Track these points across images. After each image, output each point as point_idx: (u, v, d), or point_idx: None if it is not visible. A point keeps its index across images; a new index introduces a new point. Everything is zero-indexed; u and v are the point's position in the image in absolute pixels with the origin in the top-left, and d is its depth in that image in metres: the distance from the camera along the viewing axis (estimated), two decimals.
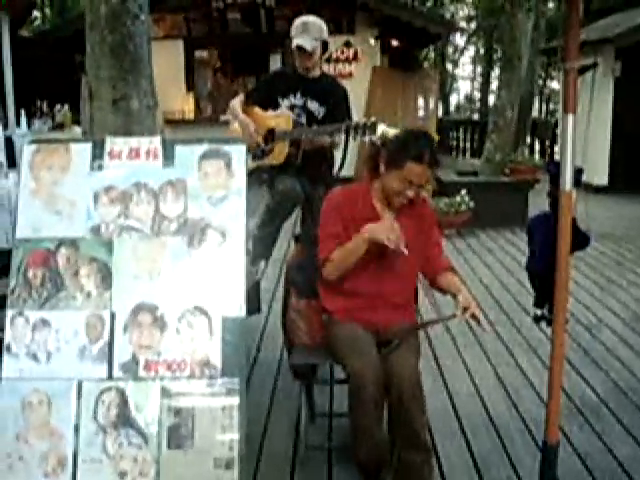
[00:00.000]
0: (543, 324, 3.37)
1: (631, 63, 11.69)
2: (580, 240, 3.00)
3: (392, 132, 4.57)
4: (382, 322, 2.99)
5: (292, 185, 4.48)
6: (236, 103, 4.67)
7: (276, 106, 4.55)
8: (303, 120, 4.50)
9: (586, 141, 10.82)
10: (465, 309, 2.83)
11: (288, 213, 4.65)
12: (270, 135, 4.52)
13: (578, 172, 2.57)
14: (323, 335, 3.15)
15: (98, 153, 2.58)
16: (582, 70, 2.61)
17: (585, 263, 7.06)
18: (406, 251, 2.82)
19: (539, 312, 3.96)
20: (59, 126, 11.23)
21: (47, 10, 24.66)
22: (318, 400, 3.68)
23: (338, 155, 4.64)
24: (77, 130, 10.77)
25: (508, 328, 5.15)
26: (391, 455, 2.85)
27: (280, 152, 4.50)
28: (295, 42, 4.38)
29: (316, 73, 4.58)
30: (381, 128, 4.26)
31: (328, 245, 3.03)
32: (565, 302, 2.56)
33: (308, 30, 4.39)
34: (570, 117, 2.44)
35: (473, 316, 2.83)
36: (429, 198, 8.60)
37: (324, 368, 3.86)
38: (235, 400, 2.41)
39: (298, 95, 4.53)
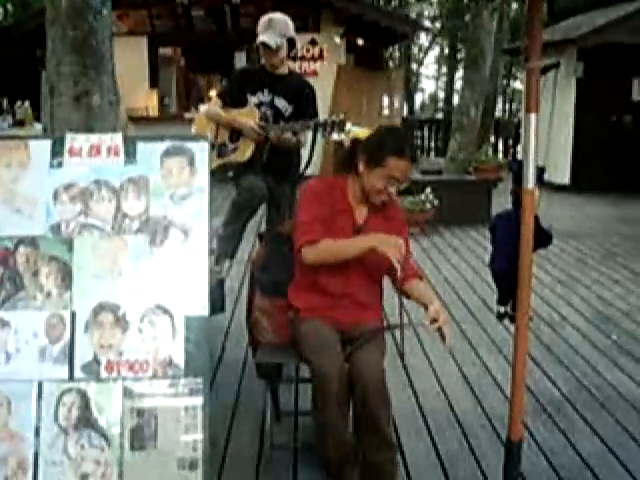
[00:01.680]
0: (506, 321, 3.40)
1: (593, 64, 11.84)
2: (543, 238, 3.02)
3: (358, 130, 4.58)
4: (348, 320, 2.99)
5: (257, 183, 4.46)
6: (215, 108, 4.62)
7: (245, 103, 4.52)
8: (270, 117, 4.48)
9: (549, 140, 10.98)
10: (434, 320, 2.82)
11: (253, 211, 4.62)
12: (236, 132, 4.49)
13: (539, 170, 2.58)
14: (288, 334, 3.13)
15: (58, 150, 2.53)
16: (545, 70, 2.63)
17: (548, 261, 7.14)
18: (398, 269, 2.79)
19: (502, 309, 3.99)
20: (20, 123, 11.09)
21: (9, 6, 24.25)
22: (283, 399, 3.66)
23: (305, 153, 4.63)
24: (38, 127, 10.63)
25: (473, 326, 5.19)
26: (356, 453, 2.85)
27: (246, 149, 4.48)
28: (259, 39, 4.35)
29: (284, 70, 4.55)
30: (347, 126, 4.26)
31: (314, 227, 2.95)
32: (528, 300, 2.57)
33: (273, 27, 4.36)
34: (532, 116, 2.45)
35: (440, 329, 2.82)
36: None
37: (289, 367, 3.85)
38: (199, 400, 2.39)
39: (265, 92, 4.50)
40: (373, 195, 2.98)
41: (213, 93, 4.79)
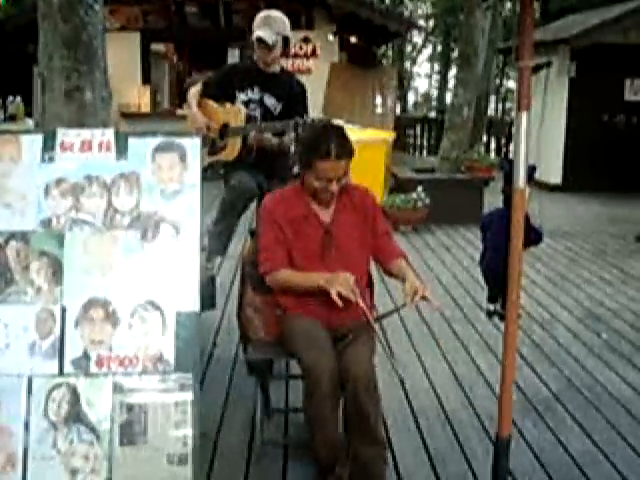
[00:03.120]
0: (496, 319, 3.41)
1: (585, 64, 11.86)
2: (533, 236, 3.03)
3: (351, 128, 4.57)
4: (336, 317, 2.98)
5: (246, 180, 4.45)
6: (194, 93, 4.63)
7: (233, 99, 4.51)
8: (258, 115, 4.47)
9: (540, 140, 10.99)
10: (414, 294, 2.84)
11: (243, 208, 4.62)
12: (225, 130, 4.48)
13: (530, 169, 2.59)
14: (279, 330, 3.13)
15: (49, 145, 2.53)
16: (537, 68, 2.63)
17: (538, 260, 7.16)
18: (361, 302, 2.82)
19: (492, 307, 4.00)
20: (11, 118, 11.07)
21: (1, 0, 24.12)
22: (273, 395, 3.67)
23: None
24: (30, 122, 10.62)
25: (463, 324, 5.19)
26: (347, 451, 2.86)
27: (233, 147, 4.48)
28: (256, 34, 4.34)
29: (276, 68, 4.55)
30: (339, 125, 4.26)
31: (274, 255, 3.01)
32: (518, 298, 2.58)
33: (270, 24, 4.35)
34: (524, 115, 2.45)
35: (423, 298, 2.84)
36: (385, 195, 8.65)
37: (280, 363, 3.85)
38: (188, 395, 2.39)
39: (255, 90, 4.49)
40: (318, 194, 3.00)
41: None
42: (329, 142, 2.86)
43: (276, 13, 4.44)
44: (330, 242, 3.02)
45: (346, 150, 2.90)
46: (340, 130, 2.97)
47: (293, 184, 3.17)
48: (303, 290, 2.98)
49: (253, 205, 4.73)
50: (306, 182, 2.99)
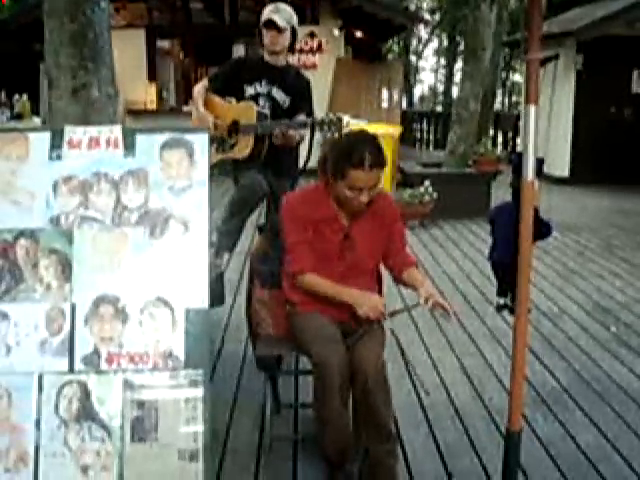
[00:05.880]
0: (506, 313, 3.40)
1: (592, 56, 11.83)
2: (542, 230, 3.02)
3: (357, 124, 4.58)
4: (346, 312, 2.98)
5: (257, 180, 4.43)
6: (199, 90, 4.61)
7: (241, 93, 4.49)
8: (267, 110, 4.45)
9: (548, 132, 10.96)
10: (427, 299, 2.84)
11: (253, 207, 4.59)
12: (234, 127, 4.46)
13: (538, 162, 2.58)
14: (288, 326, 3.13)
15: (57, 142, 2.53)
16: (544, 61, 2.62)
17: (547, 253, 7.14)
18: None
19: (502, 301, 3.99)
20: (18, 116, 11.09)
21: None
22: (283, 391, 3.67)
23: (303, 147, 4.61)
24: (36, 120, 10.64)
25: (472, 318, 5.19)
26: (356, 446, 2.86)
27: (245, 146, 4.44)
28: (266, 17, 4.32)
29: (282, 62, 4.53)
30: (345, 119, 4.26)
31: (302, 255, 3.00)
32: (527, 291, 2.57)
33: (280, 12, 4.36)
34: (532, 107, 2.44)
35: (441, 306, 2.85)
36: (392, 190, 8.65)
37: (289, 359, 3.85)
38: (199, 392, 2.39)
39: (263, 83, 4.48)
40: (347, 204, 2.97)
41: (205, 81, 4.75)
42: (363, 151, 2.82)
43: (284, 4, 4.45)
44: (348, 246, 3.02)
45: (379, 160, 2.87)
46: (374, 140, 2.93)
47: (315, 185, 3.13)
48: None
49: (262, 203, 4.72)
50: (336, 190, 2.93)
